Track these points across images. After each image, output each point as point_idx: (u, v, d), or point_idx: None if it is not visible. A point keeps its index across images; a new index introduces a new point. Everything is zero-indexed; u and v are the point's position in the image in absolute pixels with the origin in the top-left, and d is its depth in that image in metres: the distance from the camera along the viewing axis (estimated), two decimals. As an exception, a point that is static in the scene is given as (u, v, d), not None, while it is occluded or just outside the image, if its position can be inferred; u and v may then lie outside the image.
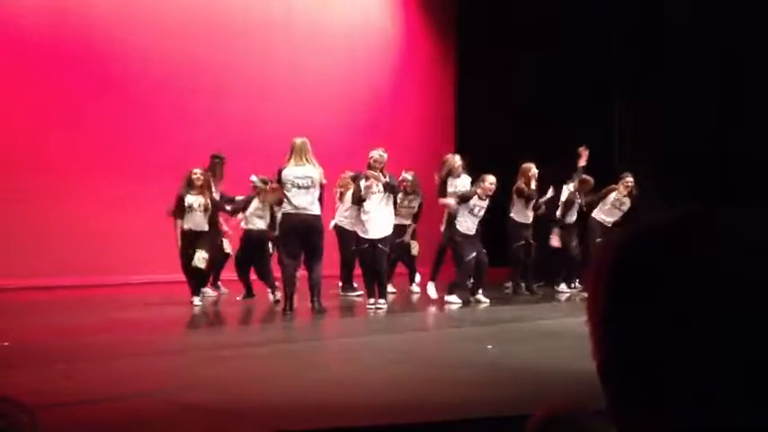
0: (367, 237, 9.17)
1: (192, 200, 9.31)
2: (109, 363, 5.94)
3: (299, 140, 8.96)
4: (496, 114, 15.05)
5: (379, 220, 9.19)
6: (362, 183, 9.22)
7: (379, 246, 9.16)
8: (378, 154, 9.29)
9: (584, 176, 11.61)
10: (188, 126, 12.60)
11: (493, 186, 10.02)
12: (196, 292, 9.41)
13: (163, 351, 6.69)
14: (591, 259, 0.81)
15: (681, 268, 0.71)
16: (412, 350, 6.71)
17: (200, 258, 9.28)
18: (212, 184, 10.01)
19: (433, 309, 9.81)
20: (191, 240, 9.29)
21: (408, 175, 10.49)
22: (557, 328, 7.52)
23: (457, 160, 10.69)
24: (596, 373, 0.77)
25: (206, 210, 9.35)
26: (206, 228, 9.38)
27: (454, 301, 9.84)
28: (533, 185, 10.94)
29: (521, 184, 10.92)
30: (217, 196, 9.95)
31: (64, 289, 10.41)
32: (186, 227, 9.29)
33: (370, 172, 9.14)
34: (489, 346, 6.52)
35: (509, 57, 15.16)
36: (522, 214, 11.01)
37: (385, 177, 9.20)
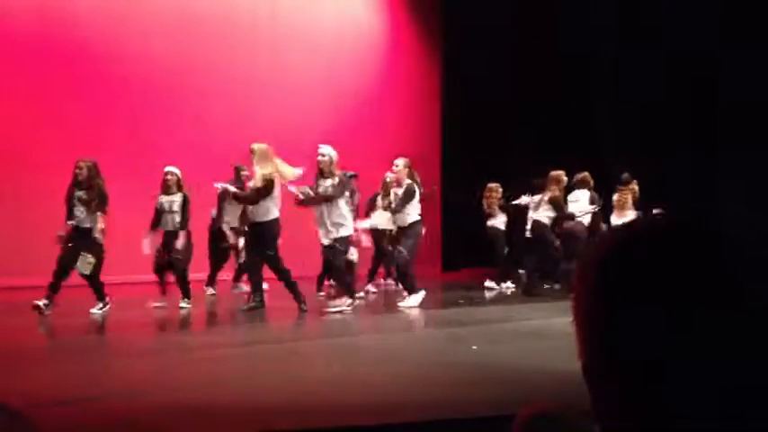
0: (322, 240, 9.12)
1: (73, 194, 8.74)
2: (96, 363, 5.92)
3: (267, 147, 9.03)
4: (481, 113, 15.09)
5: (324, 223, 9.03)
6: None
7: (337, 246, 9.01)
8: (319, 154, 9.14)
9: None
10: (173, 125, 12.57)
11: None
12: (100, 297, 8.87)
13: (149, 351, 6.68)
14: (576, 260, 0.82)
15: (668, 270, 0.72)
16: (398, 350, 6.71)
17: (85, 264, 8.63)
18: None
19: (418, 309, 9.80)
20: (72, 238, 8.67)
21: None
22: (542, 328, 7.54)
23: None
24: (581, 372, 0.78)
25: (86, 204, 8.64)
26: (88, 224, 8.68)
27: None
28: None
29: (556, 193, 10.92)
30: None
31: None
32: (69, 222, 8.74)
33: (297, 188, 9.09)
34: (474, 347, 6.53)
35: (494, 55, 15.20)
36: (551, 218, 10.98)
37: (334, 178, 9.01)
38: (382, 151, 11.92)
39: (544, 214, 10.98)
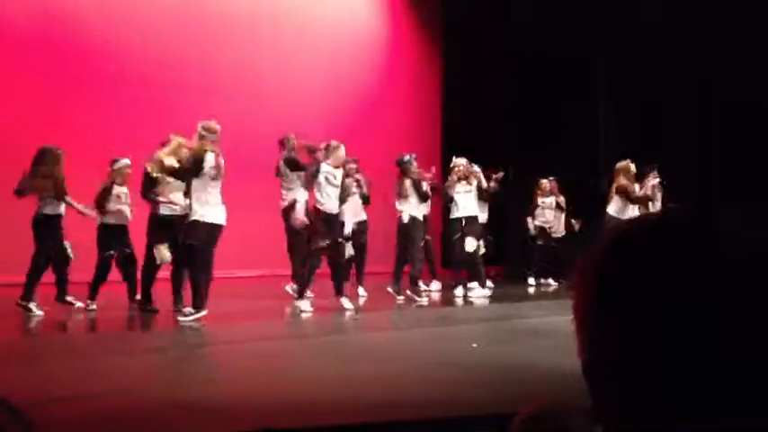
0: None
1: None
2: (94, 359, 5.92)
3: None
4: (483, 112, 15.09)
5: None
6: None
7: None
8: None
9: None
10: (175, 124, 12.50)
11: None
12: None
13: (149, 348, 6.68)
14: (577, 257, 0.81)
15: (668, 268, 0.72)
16: (397, 348, 6.71)
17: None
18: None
19: (417, 307, 9.81)
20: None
21: None
22: (542, 327, 7.55)
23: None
24: (581, 371, 0.78)
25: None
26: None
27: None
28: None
29: (623, 181, 10.73)
30: None
31: (48, 285, 10.35)
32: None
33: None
34: (474, 345, 6.53)
35: (495, 55, 15.20)
36: (624, 211, 10.89)
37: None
38: (382, 150, 11.93)
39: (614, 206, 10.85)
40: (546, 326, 7.53)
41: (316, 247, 9.12)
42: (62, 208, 8.68)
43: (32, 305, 8.27)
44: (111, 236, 8.96)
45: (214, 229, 7.98)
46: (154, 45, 12.57)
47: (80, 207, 8.70)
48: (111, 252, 8.95)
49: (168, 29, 12.77)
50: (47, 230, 8.53)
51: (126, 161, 9.27)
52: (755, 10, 12.12)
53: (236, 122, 13.07)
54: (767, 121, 12.05)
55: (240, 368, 5.66)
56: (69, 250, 8.70)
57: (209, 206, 7.98)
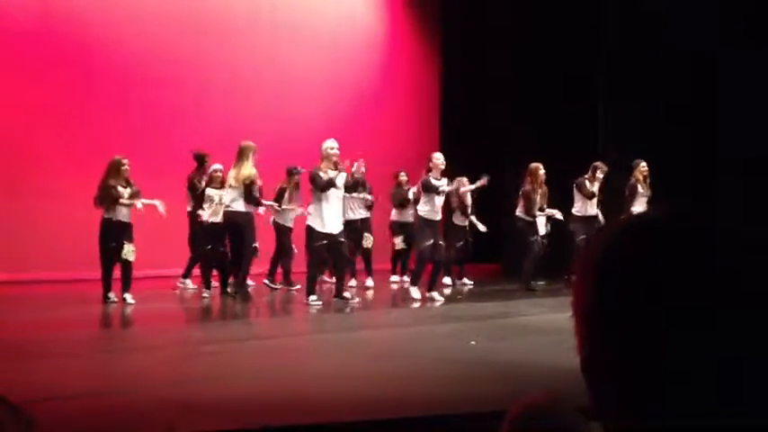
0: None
1: (123, 191, 9.18)
2: (95, 357, 5.93)
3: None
4: (481, 112, 15.09)
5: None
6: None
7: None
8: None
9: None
10: (174, 122, 12.56)
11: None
12: (127, 287, 9.15)
13: (147, 346, 6.68)
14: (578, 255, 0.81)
15: (669, 265, 0.72)
16: (395, 346, 6.72)
17: (130, 251, 9.14)
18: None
19: (415, 305, 9.81)
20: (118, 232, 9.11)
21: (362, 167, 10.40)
22: (540, 324, 7.55)
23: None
24: (580, 368, 0.78)
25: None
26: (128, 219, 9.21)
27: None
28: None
29: (527, 186, 11.01)
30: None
31: (52, 283, 10.36)
32: (115, 218, 9.11)
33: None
34: (472, 342, 6.54)
35: (494, 55, 15.20)
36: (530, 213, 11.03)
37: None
38: (381, 150, 11.93)
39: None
40: (545, 323, 7.53)
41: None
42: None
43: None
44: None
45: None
46: (152, 43, 12.54)
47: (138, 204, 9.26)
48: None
49: (167, 27, 12.75)
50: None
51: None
52: (755, 9, 12.11)
53: (234, 121, 13.07)
54: (767, 121, 12.04)
55: (238, 366, 5.66)
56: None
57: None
